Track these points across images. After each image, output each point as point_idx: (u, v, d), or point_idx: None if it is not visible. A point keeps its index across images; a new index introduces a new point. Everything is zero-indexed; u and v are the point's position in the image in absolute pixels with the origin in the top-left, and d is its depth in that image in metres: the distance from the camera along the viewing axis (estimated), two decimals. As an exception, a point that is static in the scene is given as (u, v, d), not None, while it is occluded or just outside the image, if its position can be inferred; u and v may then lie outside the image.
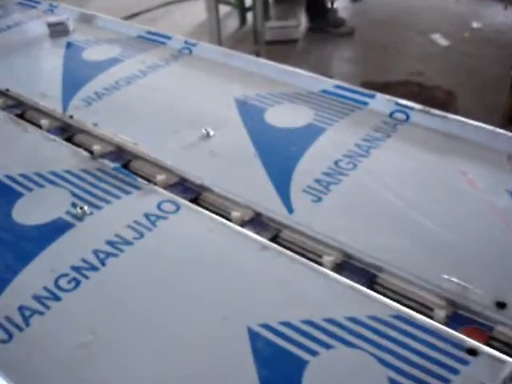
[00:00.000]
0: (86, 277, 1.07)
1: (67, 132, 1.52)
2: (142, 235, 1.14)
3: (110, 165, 1.33)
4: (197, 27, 4.56)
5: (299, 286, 1.03)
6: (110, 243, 1.13)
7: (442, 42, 4.25)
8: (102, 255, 1.10)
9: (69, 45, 1.95)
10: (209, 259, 1.09)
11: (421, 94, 3.70)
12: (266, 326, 0.95)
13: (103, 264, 1.09)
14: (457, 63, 3.95)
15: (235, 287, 1.03)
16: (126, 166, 1.37)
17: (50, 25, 2.02)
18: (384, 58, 4.12)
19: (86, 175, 1.32)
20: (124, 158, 1.40)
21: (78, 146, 1.45)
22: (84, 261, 1.09)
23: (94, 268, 1.08)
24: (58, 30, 2.02)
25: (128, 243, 1.13)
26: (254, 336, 0.94)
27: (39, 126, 1.54)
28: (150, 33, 1.96)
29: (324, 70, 3.89)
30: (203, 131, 1.41)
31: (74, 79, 1.72)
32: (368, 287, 1.03)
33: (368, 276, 1.07)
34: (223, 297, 1.01)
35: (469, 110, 3.14)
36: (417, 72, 3.87)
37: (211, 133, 1.42)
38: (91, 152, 1.41)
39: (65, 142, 1.45)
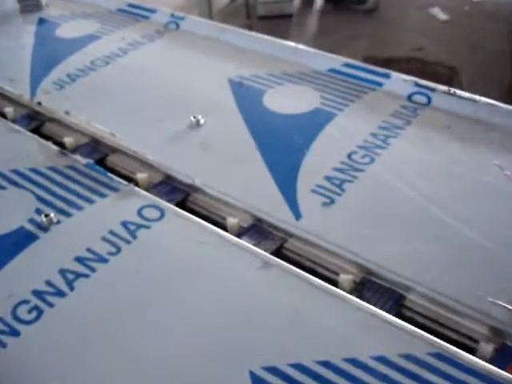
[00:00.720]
0: (51, 304, 0.87)
1: (35, 121, 1.32)
2: (118, 249, 0.94)
3: (81, 161, 1.13)
4: (185, 0, 4.32)
5: (311, 315, 0.83)
6: (80, 260, 0.93)
7: (442, 16, 4.08)
8: (70, 276, 0.91)
9: (41, 21, 1.73)
10: (198, 280, 0.89)
11: (423, 70, 3.51)
12: (273, 370, 0.76)
13: (71, 288, 0.89)
14: (457, 38, 3.78)
15: (231, 318, 0.84)
16: (101, 161, 1.17)
17: (20, -1, 1.79)
18: (384, 33, 3.94)
19: (53, 174, 1.11)
20: (99, 151, 1.20)
21: (47, 137, 1.25)
22: (49, 283, 0.90)
23: (61, 293, 0.88)
24: (29, 5, 1.80)
25: (102, 260, 0.93)
26: (257, 383, 0.75)
27: (3, 115, 1.33)
28: (131, 6, 1.74)
29: (322, 46, 3.68)
30: (192, 119, 1.21)
31: (44, 60, 1.51)
32: (395, 314, 0.84)
33: (394, 298, 0.87)
34: (216, 332, 0.82)
35: (473, 85, 2.96)
36: (417, 47, 3.69)
37: (201, 121, 1.21)
38: (61, 145, 1.20)
39: (31, 134, 1.24)
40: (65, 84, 1.40)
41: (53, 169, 1.12)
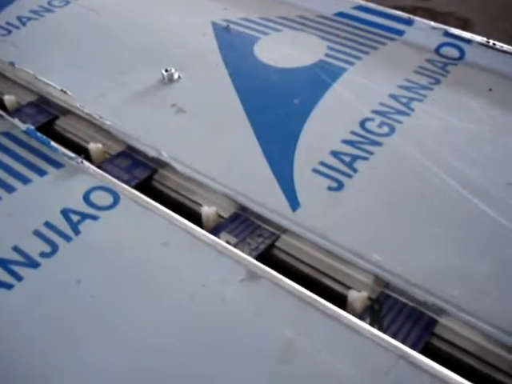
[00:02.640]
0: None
1: (-28, 74, 1.06)
2: (54, 249, 0.71)
3: (20, 126, 0.88)
4: None
5: (309, 348, 0.60)
6: (2, 264, 0.70)
7: (450, -39, 3.75)
8: (-14, 286, 0.67)
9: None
10: (158, 297, 0.66)
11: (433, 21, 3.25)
12: None
13: (-14, 303, 0.66)
14: (467, -13, 3.47)
15: (200, 352, 0.60)
16: (47, 127, 0.92)
17: None
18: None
19: (-17, 143, 0.87)
20: (46, 114, 0.95)
21: (-15, 95, 1.00)
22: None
23: (-31, 311, 0.65)
24: None
25: (32, 264, 0.69)
26: None
27: None
28: None
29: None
30: (163, 73, 0.97)
31: (-7, -2, 1.25)
32: (424, 349, 0.61)
33: (422, 324, 0.64)
34: (179, 371, 0.59)
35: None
36: (424, -4, 3.40)
37: (175, 75, 0.97)
38: (1, 104, 0.96)
39: (-38, 91, 0.99)
40: (13, 28, 1.14)
41: (-17, 136, 0.88)
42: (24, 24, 1.15)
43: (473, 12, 3.15)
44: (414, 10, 3.29)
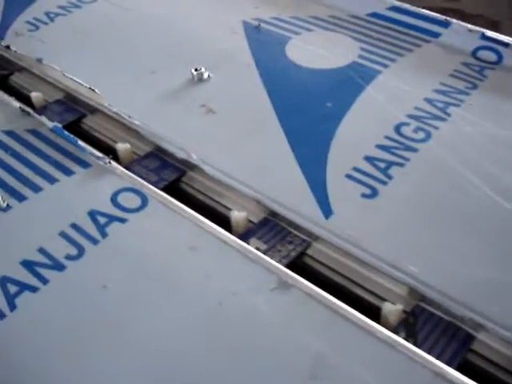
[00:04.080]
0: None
1: (0, 70, 1.05)
2: (81, 252, 0.69)
3: (48, 124, 0.87)
4: None
5: (341, 362, 0.58)
6: (27, 266, 0.68)
7: (479, -37, 3.69)
8: (12, 289, 0.66)
9: None
10: (186, 304, 0.64)
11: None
12: None
13: (13, 306, 0.64)
14: (497, -11, 3.41)
15: (230, 361, 0.59)
16: (74, 125, 0.91)
17: None
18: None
19: (10, 141, 0.86)
20: (73, 112, 0.94)
21: (14, 91, 0.99)
22: (-19, 298, 0.65)
23: (-4, 314, 0.64)
24: None
25: (57, 267, 0.68)
26: None
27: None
28: None
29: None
30: (193, 72, 0.94)
31: (21, -7, 1.24)
32: (460, 365, 0.58)
33: (459, 339, 0.61)
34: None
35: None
36: (453, -2, 3.35)
37: (205, 75, 0.95)
38: (28, 102, 0.95)
39: (-9, 86, 0.98)
40: (41, 24, 1.13)
41: (10, 134, 0.87)
42: (52, 20, 1.14)
43: (501, 15, 3.10)
44: (443, 11, 3.24)
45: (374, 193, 0.74)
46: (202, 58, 0.98)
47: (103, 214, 0.73)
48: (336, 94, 0.90)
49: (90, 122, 0.93)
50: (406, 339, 0.61)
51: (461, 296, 0.63)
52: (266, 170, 0.79)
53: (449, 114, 0.85)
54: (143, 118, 0.87)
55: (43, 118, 0.88)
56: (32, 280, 0.67)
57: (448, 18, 1.02)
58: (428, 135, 0.82)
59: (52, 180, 0.79)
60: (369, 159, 0.79)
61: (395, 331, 0.62)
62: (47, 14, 1.15)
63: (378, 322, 0.62)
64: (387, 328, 0.61)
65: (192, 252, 0.68)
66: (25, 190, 0.78)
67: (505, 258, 0.67)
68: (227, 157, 0.81)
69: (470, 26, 1.00)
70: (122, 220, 0.72)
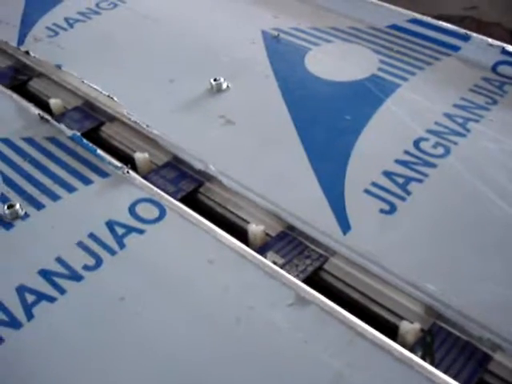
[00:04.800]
0: (1, 339, 0.63)
1: (19, 75, 1.06)
2: (98, 263, 0.69)
3: (66, 132, 0.87)
4: None
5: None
6: (45, 275, 0.68)
7: (497, -29, 3.67)
8: (30, 298, 0.66)
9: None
10: (203, 319, 0.64)
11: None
12: None
13: (30, 316, 0.64)
14: (514, -4, 3.40)
15: (243, 379, 0.58)
16: (92, 133, 0.91)
17: None
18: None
19: (29, 148, 0.86)
20: (92, 119, 0.94)
21: (32, 98, 0.99)
22: (2, 310, 0.65)
23: (15, 324, 0.64)
24: None
25: (75, 277, 0.68)
26: None
27: (-18, 66, 1.08)
28: None
29: None
30: (212, 82, 0.94)
31: (41, -1, 1.24)
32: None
33: (477, 359, 0.61)
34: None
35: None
36: (470, 5, 3.33)
37: (224, 85, 0.94)
38: (46, 108, 0.95)
39: (9, 92, 0.98)
40: (60, 30, 1.13)
41: (29, 141, 0.87)
42: (71, 26, 1.14)
43: (520, 25, 3.08)
44: (461, 19, 3.23)
45: (392, 209, 0.74)
46: (221, 68, 0.98)
47: (121, 225, 0.73)
48: (355, 106, 0.90)
49: (108, 130, 0.93)
50: (423, 358, 0.60)
51: (479, 316, 0.63)
52: (283, 182, 0.79)
53: (468, 130, 0.85)
54: (161, 128, 0.87)
55: (62, 126, 0.88)
56: (49, 290, 0.67)
57: (468, 32, 1.01)
58: (447, 151, 0.81)
59: (70, 189, 0.79)
60: (388, 174, 0.78)
61: (412, 350, 0.61)
62: (67, 19, 1.16)
63: (395, 340, 0.62)
64: (404, 346, 0.61)
65: (210, 265, 0.68)
66: (43, 199, 0.78)
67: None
68: (245, 168, 0.81)
69: (490, 40, 1.00)
70: (140, 231, 0.72)
